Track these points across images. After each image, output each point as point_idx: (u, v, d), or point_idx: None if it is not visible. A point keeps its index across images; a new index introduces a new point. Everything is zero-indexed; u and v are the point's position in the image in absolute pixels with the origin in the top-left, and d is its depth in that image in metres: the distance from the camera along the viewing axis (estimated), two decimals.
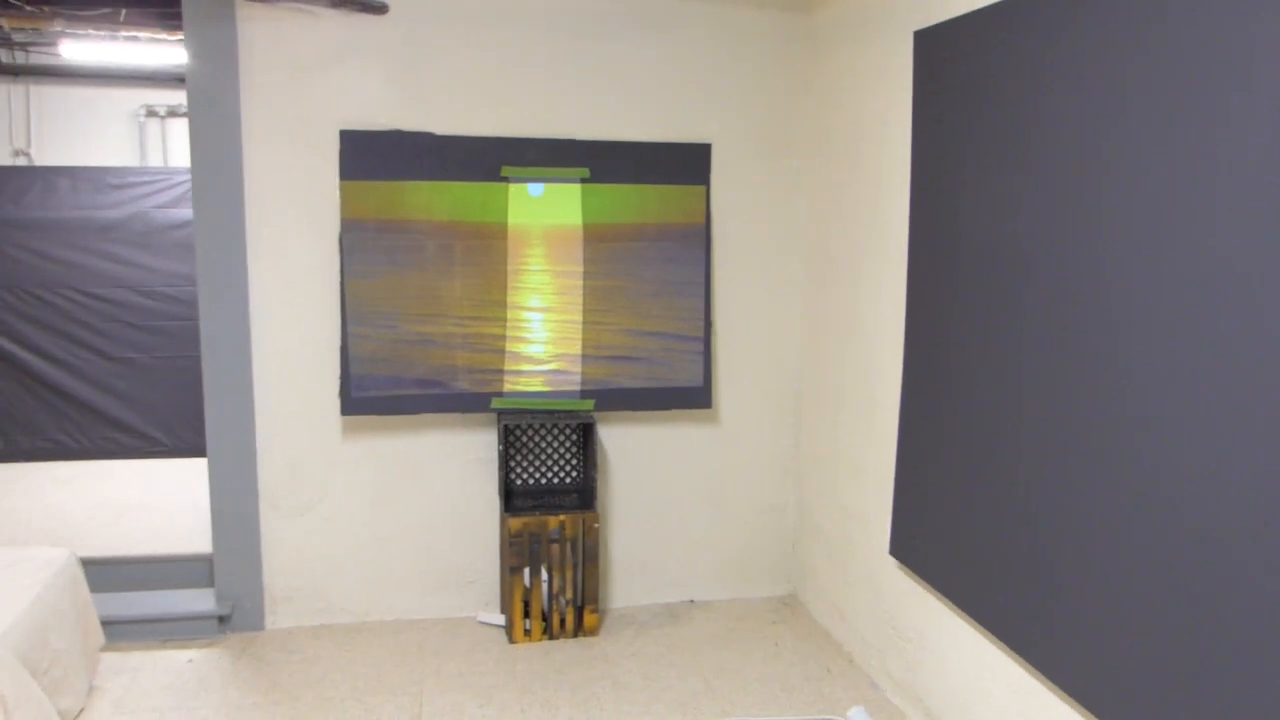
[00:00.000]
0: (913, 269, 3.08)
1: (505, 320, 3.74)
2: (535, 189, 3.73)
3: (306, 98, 3.55)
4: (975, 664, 2.83)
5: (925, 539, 3.03)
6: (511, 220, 3.71)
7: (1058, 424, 2.35)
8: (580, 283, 3.79)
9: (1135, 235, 2.08)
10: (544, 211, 3.74)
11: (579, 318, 3.80)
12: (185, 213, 5.75)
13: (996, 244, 2.60)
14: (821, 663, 3.62)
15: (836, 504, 3.80)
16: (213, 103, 3.47)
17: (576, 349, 3.81)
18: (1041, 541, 2.42)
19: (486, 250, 3.70)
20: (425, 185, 3.62)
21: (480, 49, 3.67)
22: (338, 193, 3.59)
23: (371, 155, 3.58)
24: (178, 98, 5.90)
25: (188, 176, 5.75)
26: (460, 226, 3.67)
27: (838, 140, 3.73)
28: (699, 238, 3.88)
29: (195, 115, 3.48)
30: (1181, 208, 1.95)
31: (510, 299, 3.74)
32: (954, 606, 2.92)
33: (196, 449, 5.49)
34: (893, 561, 3.31)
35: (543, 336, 3.78)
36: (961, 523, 2.80)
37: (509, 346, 3.75)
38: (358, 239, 3.60)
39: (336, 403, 3.69)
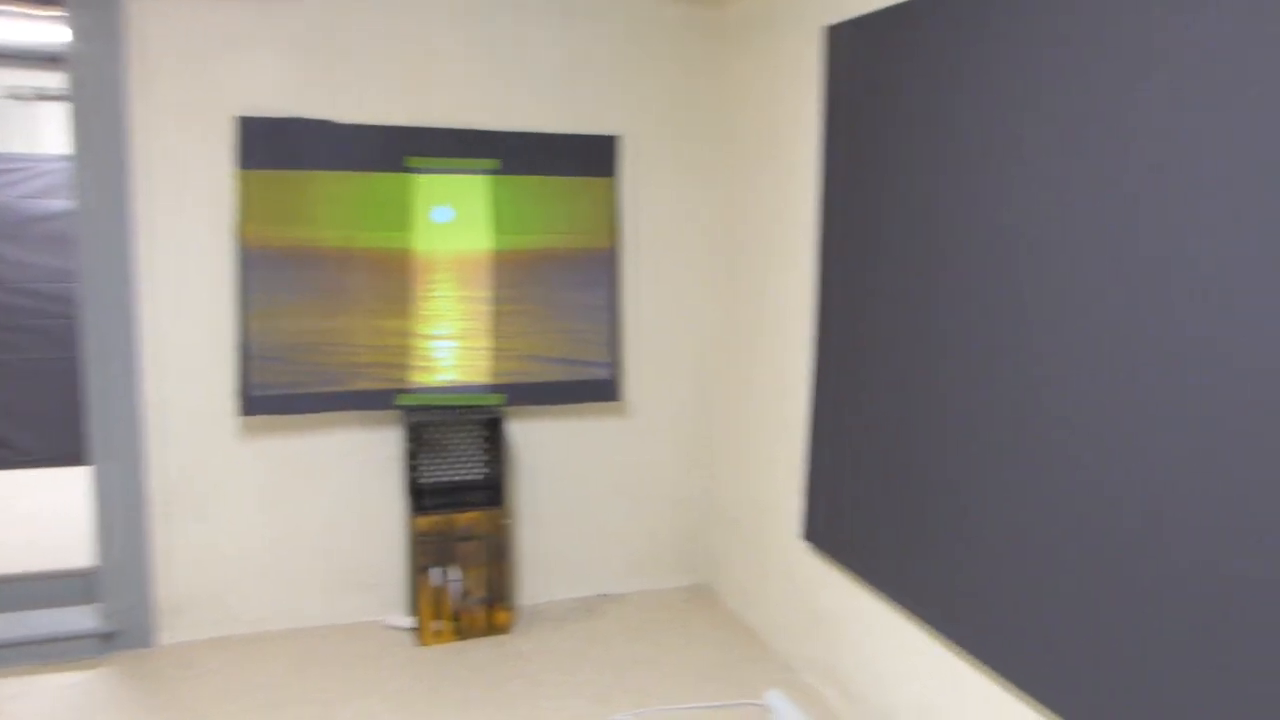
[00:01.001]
0: (822, 260, 3.12)
1: (409, 309, 3.63)
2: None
3: (201, 83, 3.37)
4: (892, 642, 2.89)
5: (837, 523, 3.07)
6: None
7: (967, 407, 2.41)
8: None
9: (1043, 226, 2.14)
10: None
11: (487, 294, 3.72)
12: (57, 203, 5.40)
13: (906, 235, 2.65)
14: (736, 649, 3.64)
15: (747, 493, 3.83)
16: (97, 86, 3.25)
17: (485, 333, 3.73)
18: (953, 520, 2.48)
19: (389, 241, 3.59)
20: (327, 175, 3.49)
21: (387, 37, 3.55)
22: (233, 182, 3.43)
23: (270, 144, 3.42)
24: (48, 80, 5.52)
25: (59, 164, 5.42)
26: (365, 222, 3.55)
27: (748, 133, 3.75)
28: (607, 230, 3.85)
29: (78, 99, 3.25)
30: (1088, 199, 2.02)
31: (414, 281, 3.64)
32: (868, 587, 2.97)
33: (71, 457, 5.16)
34: (805, 546, 3.35)
35: (451, 325, 3.69)
36: (874, 505, 2.85)
37: (415, 341, 3.65)
38: (256, 231, 3.44)
39: (233, 403, 3.53)
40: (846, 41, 2.93)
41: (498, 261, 3.72)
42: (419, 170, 3.61)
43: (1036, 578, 2.21)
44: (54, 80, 5.37)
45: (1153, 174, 1.87)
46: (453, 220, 3.66)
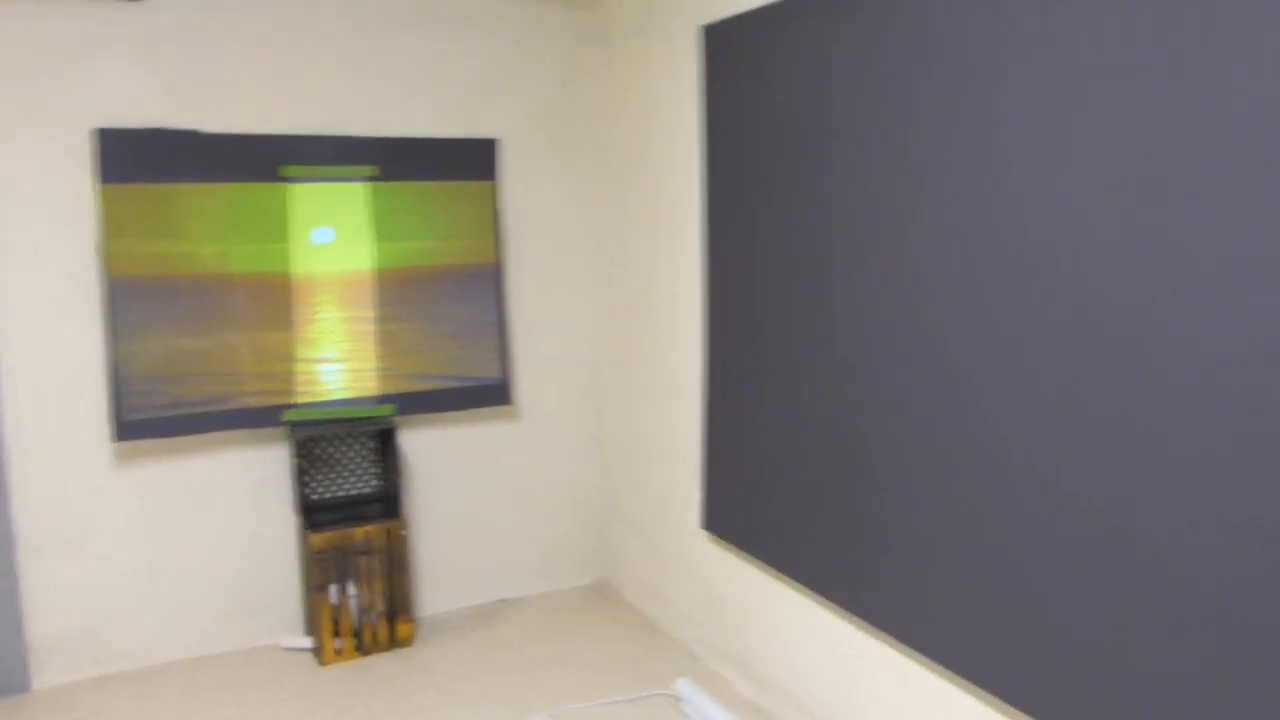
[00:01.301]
0: (709, 257, 3.19)
1: (292, 324, 3.54)
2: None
3: (55, 93, 3.20)
4: (795, 621, 2.98)
5: (737, 510, 3.15)
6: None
7: (857, 392, 2.52)
8: (377, 304, 3.65)
9: (923, 213, 2.26)
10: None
11: (372, 313, 3.65)
12: None
13: (791, 228, 2.74)
14: (641, 643, 3.68)
15: (644, 488, 3.88)
16: None
17: (372, 350, 3.66)
18: (849, 499, 2.59)
19: (270, 255, 3.49)
20: (196, 188, 3.36)
21: (256, 42, 3.45)
22: (94, 197, 3.26)
23: (134, 156, 3.27)
24: None
25: None
26: (240, 235, 3.44)
27: (628, 134, 3.80)
28: (490, 234, 3.83)
29: None
30: (964, 189, 2.14)
31: (295, 300, 3.54)
32: (770, 570, 3.06)
33: None
34: (705, 535, 3.42)
35: (337, 339, 3.61)
36: (772, 491, 2.93)
37: (300, 355, 3.55)
38: (123, 248, 3.28)
39: (105, 428, 3.36)
40: (723, 41, 3.01)
41: (381, 275, 3.66)
42: (294, 179, 3.52)
43: (931, 550, 2.33)
44: None
45: (1021, 158, 2.00)
46: (333, 239, 3.58)
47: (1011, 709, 2.18)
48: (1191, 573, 1.72)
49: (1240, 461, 1.62)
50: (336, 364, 3.62)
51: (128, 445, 3.40)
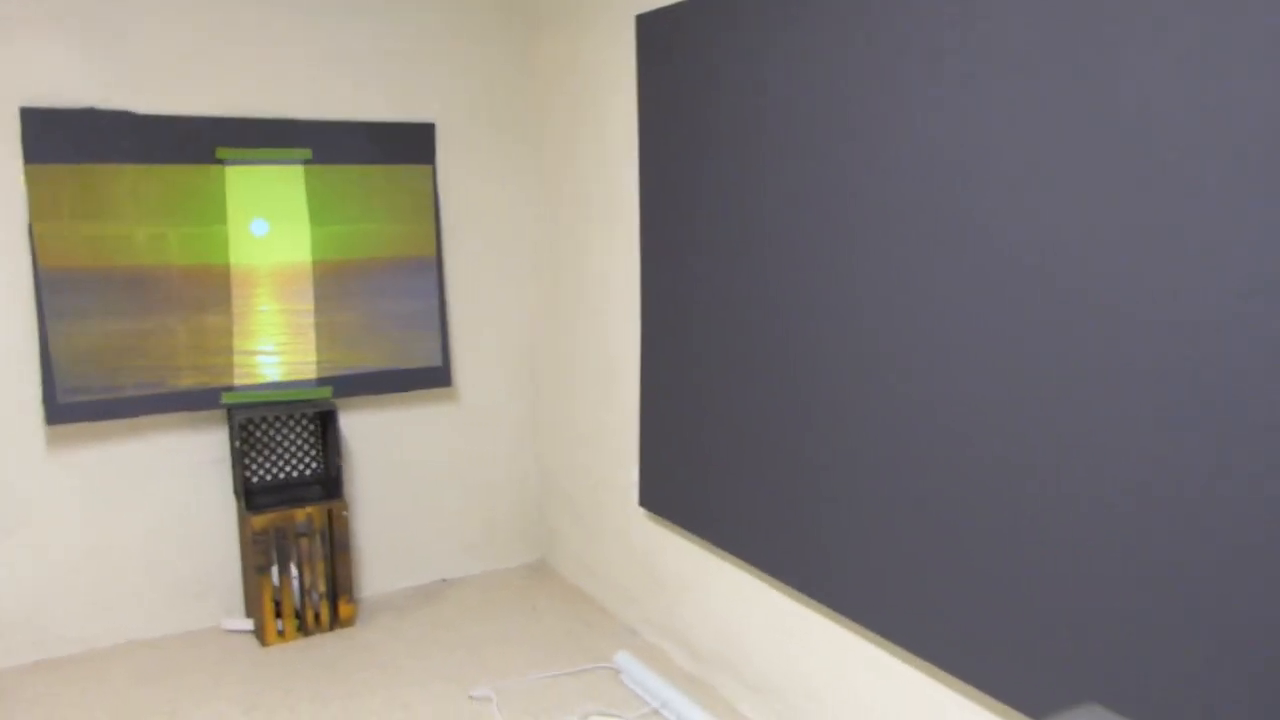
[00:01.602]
0: (645, 239, 3.28)
1: (231, 309, 3.54)
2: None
3: None
4: (733, 595, 3.11)
5: (673, 488, 3.26)
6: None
7: (789, 368, 2.64)
8: (315, 283, 3.66)
9: (850, 192, 2.37)
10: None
11: (311, 296, 3.67)
12: None
13: (724, 212, 2.85)
14: (580, 618, 3.78)
15: (581, 468, 3.96)
16: None
17: (310, 331, 3.68)
18: (782, 475, 2.71)
19: (206, 237, 3.48)
20: (129, 170, 3.34)
21: (190, 21, 3.43)
22: (22, 180, 3.23)
23: (63, 136, 3.24)
24: None
25: None
26: (175, 218, 3.43)
27: (563, 119, 3.86)
28: (428, 219, 3.87)
29: None
30: (893, 169, 2.26)
31: (234, 284, 3.55)
32: (707, 545, 3.18)
33: None
34: (642, 513, 3.52)
35: (275, 327, 3.62)
36: (707, 468, 3.05)
37: (236, 334, 3.56)
38: (53, 229, 3.25)
39: (38, 412, 3.33)
40: (657, 30, 3.09)
41: (319, 261, 3.68)
42: (230, 161, 3.52)
43: (859, 521, 2.46)
44: None
45: (942, 139, 2.12)
46: (271, 228, 3.58)
47: (940, 670, 2.32)
48: (1122, 545, 1.86)
49: (1157, 430, 1.77)
50: (275, 348, 3.63)
51: (63, 429, 3.38)
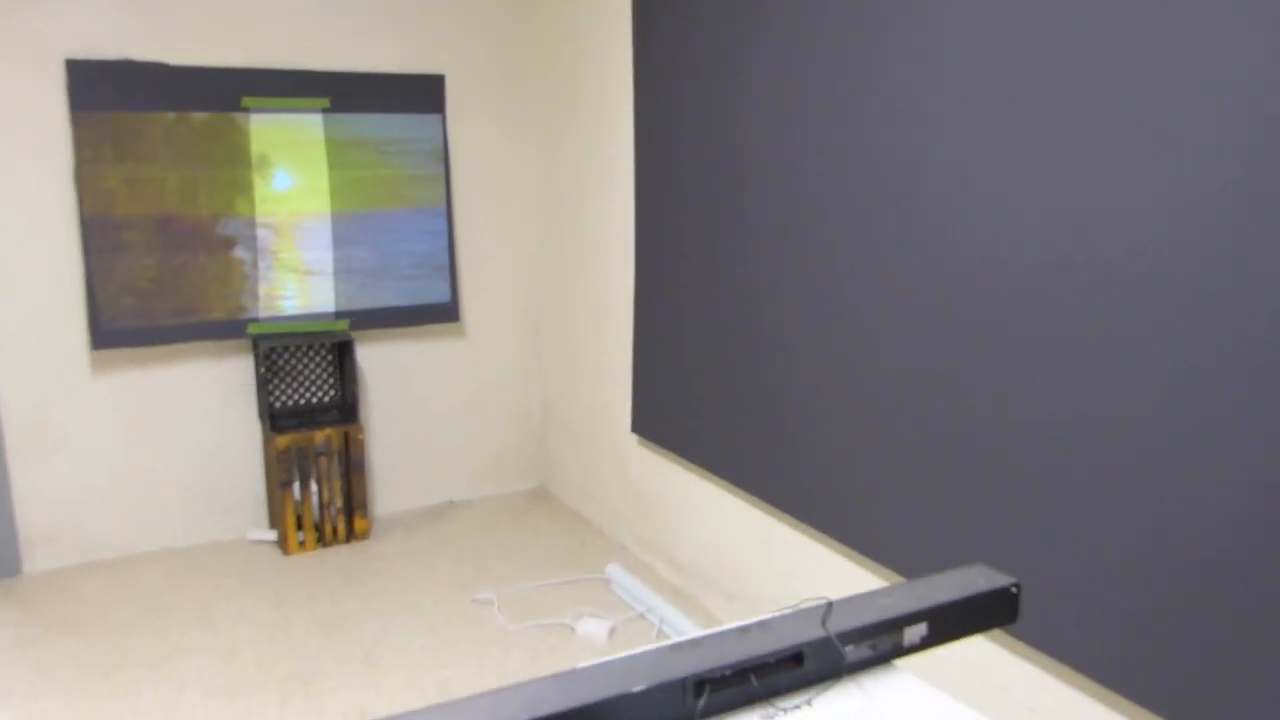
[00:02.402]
0: (639, 181, 3.56)
1: (255, 246, 3.84)
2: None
3: (26, 24, 3.43)
4: (711, 510, 3.42)
5: (663, 415, 3.57)
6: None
7: (772, 302, 2.93)
8: (328, 199, 3.96)
9: (831, 139, 2.65)
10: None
11: (329, 231, 3.97)
12: None
13: (715, 153, 3.12)
14: (577, 537, 4.11)
15: (581, 398, 4.28)
16: None
17: (329, 267, 3.99)
18: (759, 401, 3.01)
19: (232, 182, 3.78)
20: (162, 116, 3.63)
21: None
22: (68, 125, 3.52)
23: (103, 85, 3.53)
24: None
25: None
26: (205, 161, 3.72)
27: (565, 72, 4.12)
28: (438, 166, 4.15)
29: None
30: (854, 125, 2.53)
31: (258, 217, 3.84)
32: (692, 466, 3.49)
33: None
34: (635, 439, 3.84)
35: (298, 265, 3.93)
36: (694, 397, 3.35)
37: (261, 270, 3.87)
38: (95, 171, 3.55)
39: (83, 339, 3.65)
40: None
41: (337, 200, 3.97)
42: (254, 110, 3.80)
43: (824, 442, 2.76)
44: None
45: (907, 95, 2.40)
46: (291, 172, 3.87)
47: (887, 570, 2.64)
48: (1062, 459, 2.17)
49: (1093, 354, 2.06)
50: (297, 284, 3.94)
51: (104, 355, 3.71)
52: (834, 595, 2.87)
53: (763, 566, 3.18)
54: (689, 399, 3.38)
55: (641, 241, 3.58)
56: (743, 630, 1.23)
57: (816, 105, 2.66)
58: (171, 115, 3.64)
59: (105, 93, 3.54)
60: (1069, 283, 1.99)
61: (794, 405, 2.87)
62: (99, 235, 3.58)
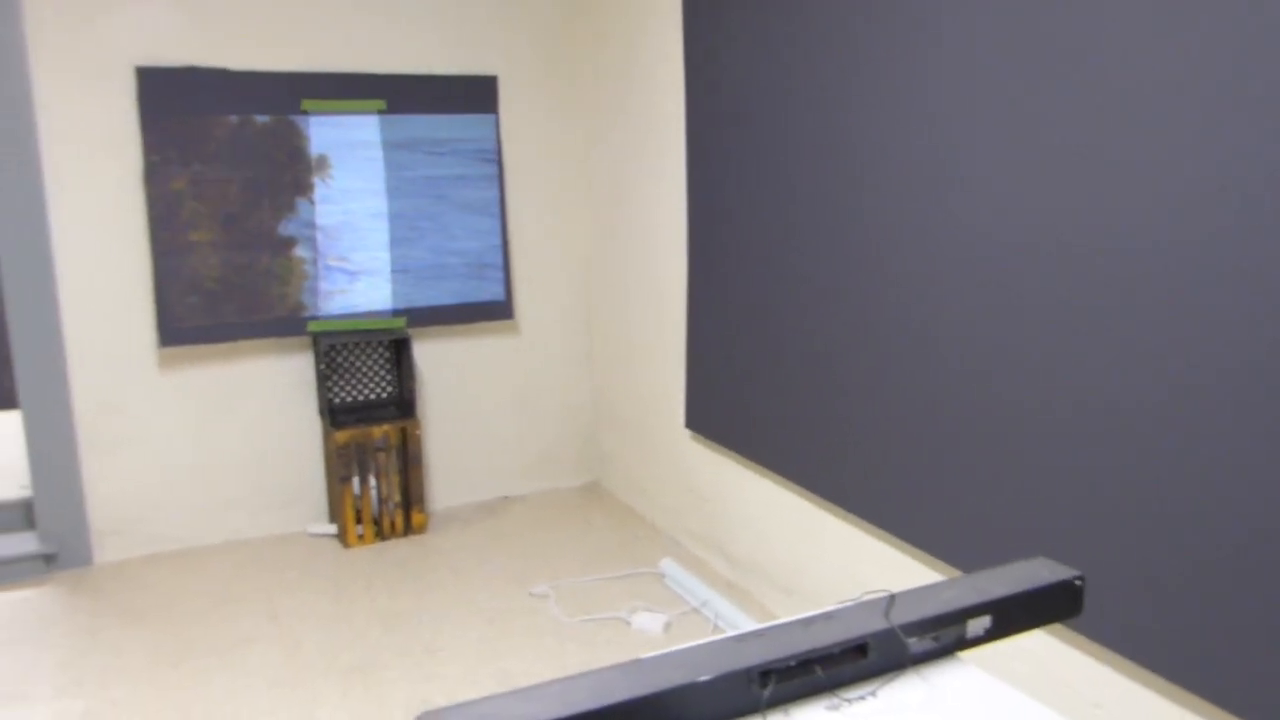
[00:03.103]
0: (692, 178, 3.57)
1: (316, 245, 3.92)
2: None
3: (98, 33, 3.54)
4: (765, 504, 3.43)
5: (716, 409, 3.58)
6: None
7: (825, 297, 2.92)
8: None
9: (879, 135, 2.64)
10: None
11: (386, 230, 4.04)
12: None
13: (765, 147, 3.12)
14: (630, 531, 4.14)
15: (633, 394, 4.30)
16: None
17: (386, 266, 4.05)
18: (815, 396, 3.01)
19: (293, 183, 3.85)
20: (225, 120, 3.72)
21: None
22: (138, 130, 3.62)
23: (170, 91, 3.63)
24: None
25: None
26: (270, 163, 3.80)
27: (613, 67, 4.15)
28: (491, 165, 4.20)
29: None
30: (906, 116, 2.52)
31: (318, 217, 3.92)
32: (745, 461, 3.50)
33: None
34: (688, 434, 3.85)
35: (357, 263, 4.00)
36: (748, 391, 3.35)
37: (321, 268, 3.94)
38: (163, 173, 3.65)
39: (151, 337, 3.76)
40: None
41: (394, 200, 4.03)
42: (313, 112, 3.87)
43: (881, 438, 2.76)
44: None
45: (950, 92, 2.38)
46: (349, 173, 3.94)
47: (942, 563, 2.62)
48: (1106, 460, 2.14)
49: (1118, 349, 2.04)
50: (355, 282, 4.01)
51: (171, 351, 3.81)
52: (891, 588, 2.86)
53: (817, 560, 3.17)
54: (742, 393, 3.39)
55: (694, 236, 3.59)
56: (806, 622, 1.24)
57: (870, 96, 2.65)
58: (235, 119, 3.73)
59: (172, 98, 3.63)
60: (1130, 272, 1.97)
61: (848, 399, 2.86)
62: (166, 236, 3.68)
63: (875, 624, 1.24)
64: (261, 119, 3.78)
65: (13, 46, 3.41)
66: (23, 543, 3.69)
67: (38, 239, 3.53)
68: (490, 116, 4.20)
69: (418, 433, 4.02)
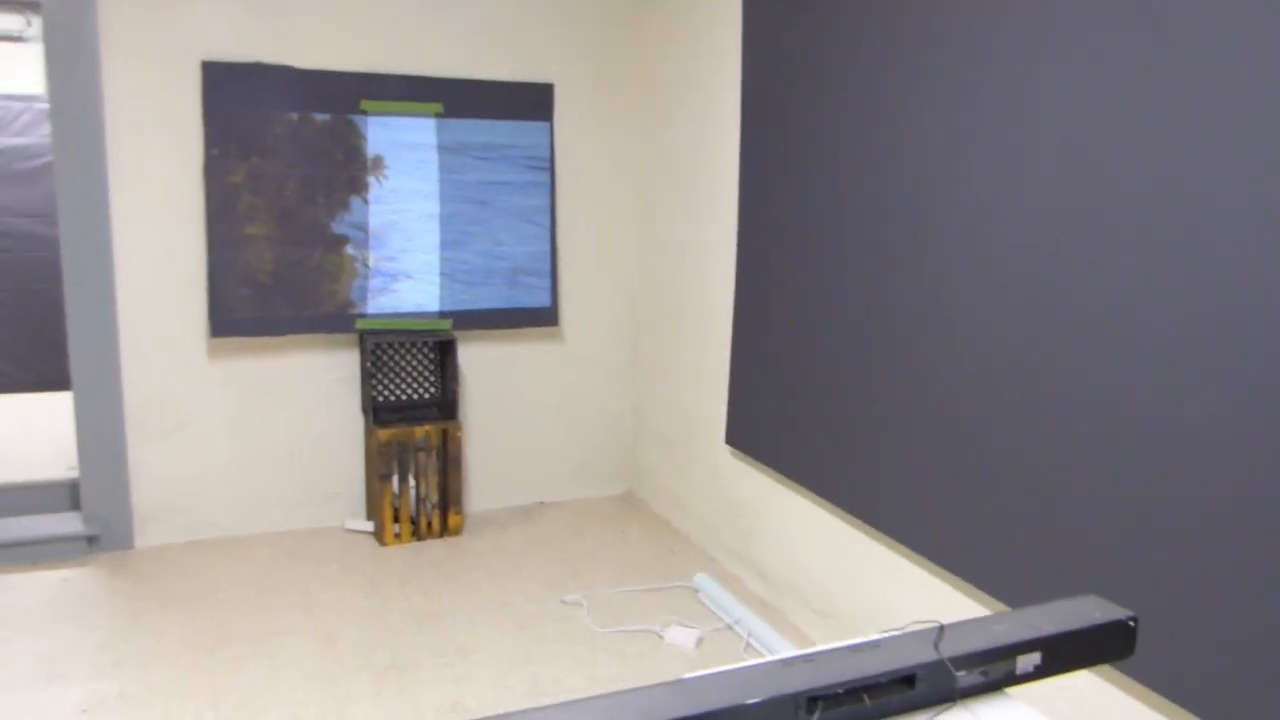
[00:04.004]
0: (743, 200, 3.56)
1: (367, 245, 3.96)
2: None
3: (168, 26, 3.61)
4: (801, 524, 3.40)
5: (757, 426, 3.56)
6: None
7: (869, 319, 2.90)
8: (437, 202, 4.06)
9: (929, 162, 2.62)
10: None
11: (437, 231, 4.07)
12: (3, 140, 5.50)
13: (817, 171, 3.11)
14: (665, 545, 4.13)
15: (675, 407, 4.29)
16: (70, 30, 3.47)
17: (435, 268, 4.08)
18: (856, 416, 2.98)
19: (348, 181, 3.90)
20: (286, 117, 3.77)
21: None
22: (201, 123, 3.68)
23: (234, 86, 3.68)
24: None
25: (10, 103, 5.52)
26: (325, 161, 3.85)
27: (670, 80, 4.16)
28: (544, 172, 4.22)
29: (51, 44, 3.47)
30: (957, 143, 2.50)
31: (371, 217, 3.96)
32: (783, 479, 3.48)
33: (18, 384, 5.34)
34: (727, 450, 3.83)
35: (406, 265, 4.03)
36: (790, 409, 3.34)
37: (371, 267, 3.98)
38: (222, 166, 3.70)
39: (202, 327, 3.81)
40: (762, 3, 3.35)
41: (446, 203, 4.07)
42: (372, 113, 3.92)
43: (920, 461, 2.73)
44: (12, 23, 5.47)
45: (1003, 116, 2.36)
46: (404, 175, 3.98)
47: (983, 594, 2.59)
48: (1148, 488, 2.11)
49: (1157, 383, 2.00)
50: (404, 282, 4.04)
51: (221, 343, 3.86)
52: (928, 618, 2.83)
53: (854, 584, 3.14)
54: (785, 412, 3.37)
55: (742, 255, 3.58)
56: (855, 649, 1.22)
57: (925, 124, 2.63)
58: (295, 116, 3.78)
59: (236, 93, 3.69)
60: (1194, 306, 1.93)
61: (891, 423, 2.84)
62: (223, 228, 3.73)
63: (924, 655, 1.22)
64: (321, 117, 3.83)
65: (87, 38, 3.48)
66: (67, 523, 3.76)
67: (98, 227, 3.60)
68: (544, 124, 4.23)
69: (458, 434, 4.04)
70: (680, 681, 1.11)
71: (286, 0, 3.76)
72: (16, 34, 6.76)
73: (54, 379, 5.65)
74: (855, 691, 1.15)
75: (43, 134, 5.56)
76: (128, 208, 3.66)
